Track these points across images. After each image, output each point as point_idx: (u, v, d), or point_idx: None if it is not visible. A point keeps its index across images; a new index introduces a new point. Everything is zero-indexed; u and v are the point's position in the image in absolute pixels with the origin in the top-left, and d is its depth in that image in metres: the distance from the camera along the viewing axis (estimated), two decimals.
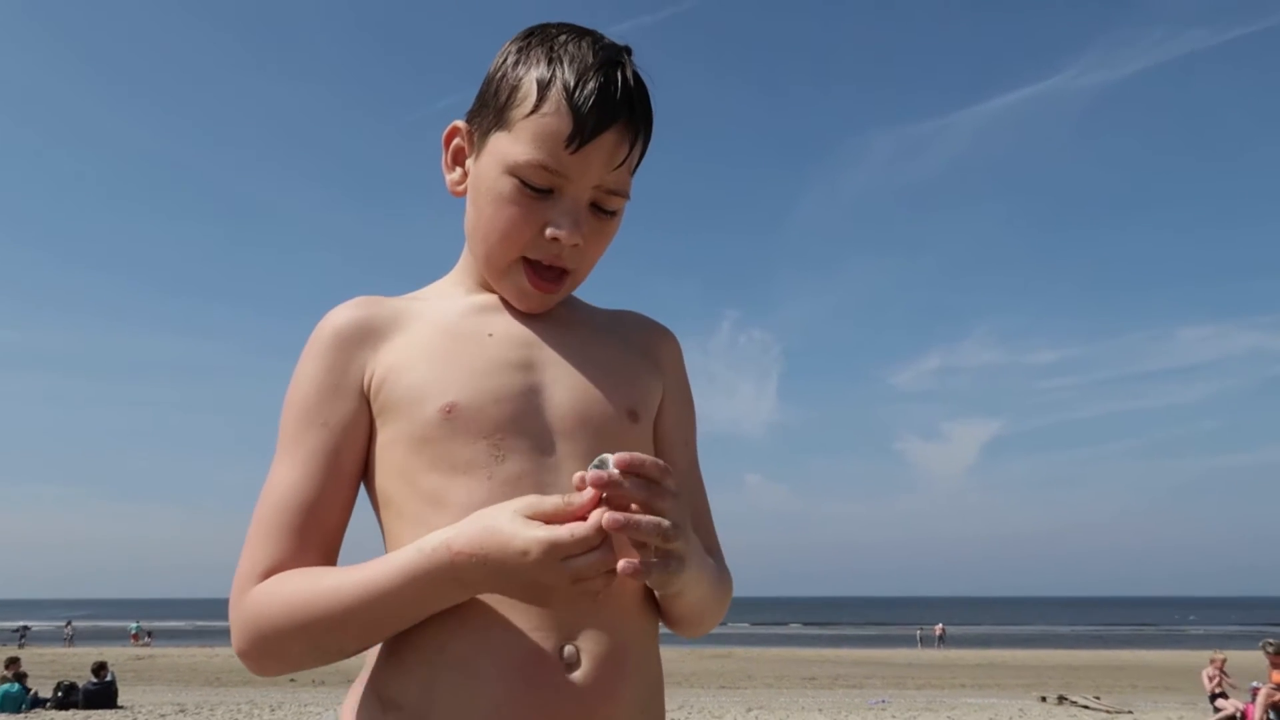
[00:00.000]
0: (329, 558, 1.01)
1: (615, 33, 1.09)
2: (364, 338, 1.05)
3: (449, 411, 0.98)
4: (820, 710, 13.40)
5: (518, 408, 1.00)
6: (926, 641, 42.85)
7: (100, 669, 14.23)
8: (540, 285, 1.07)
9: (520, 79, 1.04)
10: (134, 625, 43.56)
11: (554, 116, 1.00)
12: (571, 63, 1.02)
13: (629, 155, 1.04)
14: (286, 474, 1.01)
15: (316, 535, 1.00)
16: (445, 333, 1.06)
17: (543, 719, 0.92)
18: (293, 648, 0.95)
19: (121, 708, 13.53)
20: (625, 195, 1.06)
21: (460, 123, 1.11)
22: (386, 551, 0.99)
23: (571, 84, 1.01)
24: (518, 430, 0.99)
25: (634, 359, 1.12)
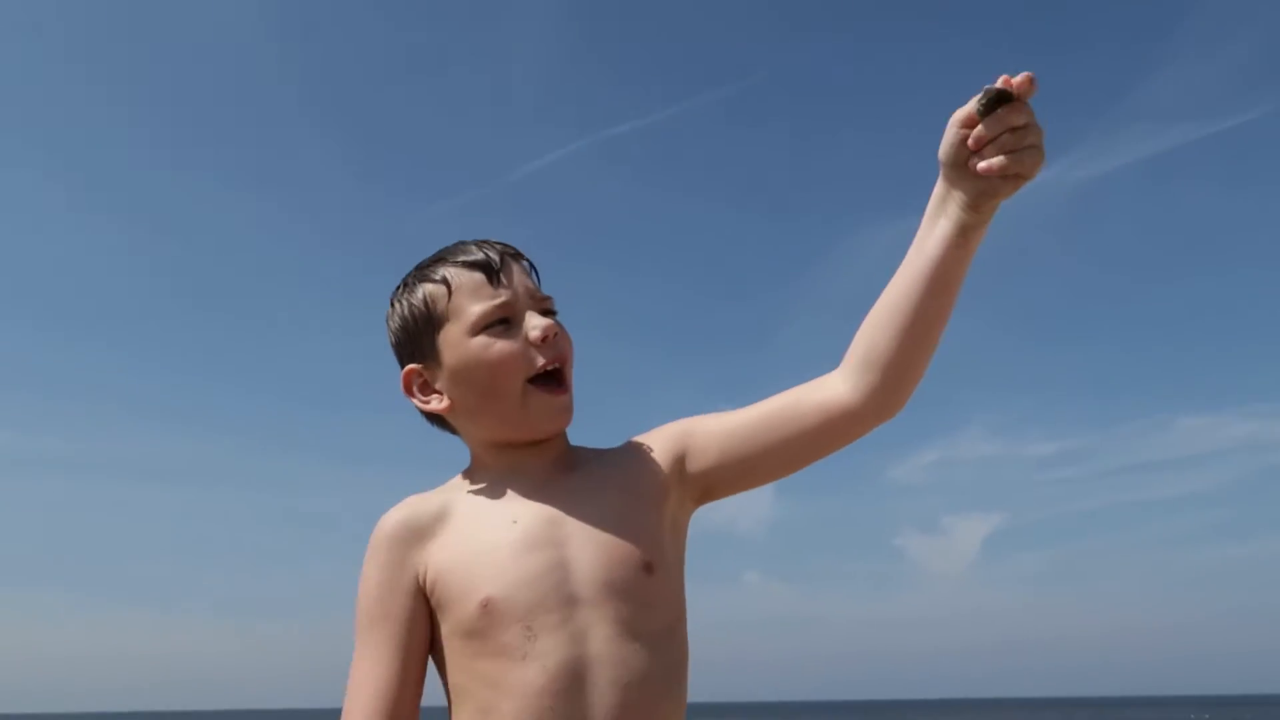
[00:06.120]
0: None
1: None
2: (412, 539, 1.20)
3: (485, 605, 1.11)
4: None
5: (544, 587, 1.12)
6: None
7: None
8: (555, 391, 1.20)
9: (424, 294, 1.23)
10: None
11: (469, 277, 1.21)
12: (447, 255, 1.24)
13: (534, 271, 1.27)
14: (362, 667, 1.17)
15: (394, 715, 1.15)
16: (477, 529, 1.19)
17: None
18: None
19: None
20: (552, 300, 1.26)
21: (408, 366, 1.26)
22: None
23: (463, 257, 1.23)
24: (546, 608, 1.11)
25: (642, 506, 1.21)
